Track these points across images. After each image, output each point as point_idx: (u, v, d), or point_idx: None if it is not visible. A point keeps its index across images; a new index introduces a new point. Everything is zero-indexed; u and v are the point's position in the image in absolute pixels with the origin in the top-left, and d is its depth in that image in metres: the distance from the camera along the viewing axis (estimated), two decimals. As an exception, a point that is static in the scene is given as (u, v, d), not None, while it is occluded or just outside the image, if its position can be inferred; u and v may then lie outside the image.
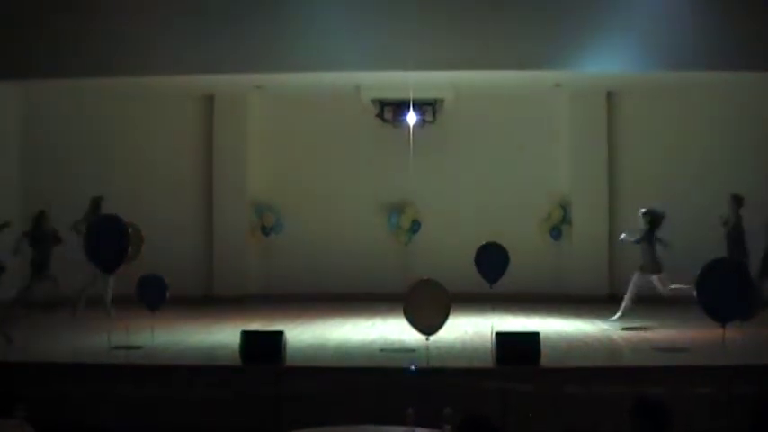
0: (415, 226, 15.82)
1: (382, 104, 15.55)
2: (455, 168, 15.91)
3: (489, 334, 10.03)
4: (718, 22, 12.88)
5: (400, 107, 15.13)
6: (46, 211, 13.12)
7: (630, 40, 12.90)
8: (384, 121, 15.62)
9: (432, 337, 9.93)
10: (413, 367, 8.96)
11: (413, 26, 12.90)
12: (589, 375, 9.11)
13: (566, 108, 16.03)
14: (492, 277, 11.48)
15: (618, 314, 12.48)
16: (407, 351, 10.48)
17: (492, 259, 11.45)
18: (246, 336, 9.72)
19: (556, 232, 15.79)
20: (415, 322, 9.94)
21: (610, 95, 16.02)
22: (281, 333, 9.74)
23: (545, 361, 9.37)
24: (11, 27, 13.19)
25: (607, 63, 13.10)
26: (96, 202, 13.13)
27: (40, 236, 12.92)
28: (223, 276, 15.36)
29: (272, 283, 15.67)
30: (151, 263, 11.90)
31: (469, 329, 12.03)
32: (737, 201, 12.71)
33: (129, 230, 11.07)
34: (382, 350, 10.69)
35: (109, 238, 10.61)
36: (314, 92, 15.50)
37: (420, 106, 15.12)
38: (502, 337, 9.53)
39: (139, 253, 11.94)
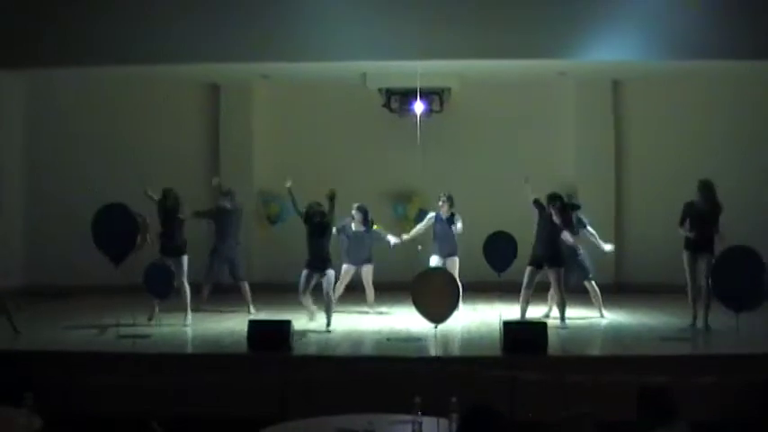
0: (422, 215, 15.80)
1: (389, 94, 15.50)
2: (462, 158, 15.87)
3: (497, 323, 10.05)
4: (724, 9, 12.82)
5: (407, 96, 15.08)
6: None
7: (636, 28, 12.84)
8: (391, 110, 15.57)
9: (439, 326, 9.97)
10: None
11: (419, 15, 12.86)
12: (596, 364, 9.12)
13: (571, 97, 15.99)
14: (500, 266, 11.48)
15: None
16: (414, 340, 10.50)
17: (500, 248, 11.45)
18: (254, 324, 9.75)
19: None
20: (424, 311, 9.97)
21: (615, 84, 15.97)
22: (288, 322, 9.77)
23: (552, 350, 9.39)
24: (16, 15, 13.18)
25: (613, 51, 13.04)
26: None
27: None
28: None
29: (279, 272, 15.66)
30: (156, 253, 11.90)
31: (477, 318, 12.04)
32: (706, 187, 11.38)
33: (138, 220, 11.11)
34: (389, 339, 10.70)
35: (118, 228, 10.68)
36: (320, 81, 15.48)
37: (427, 95, 15.07)
38: (509, 326, 9.55)
39: (146, 242, 11.95)
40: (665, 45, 12.99)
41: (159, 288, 11.20)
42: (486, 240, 11.64)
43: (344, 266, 12.94)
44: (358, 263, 12.96)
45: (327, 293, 11.55)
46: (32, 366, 9.12)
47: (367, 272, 13.01)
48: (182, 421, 7.38)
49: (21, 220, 15.53)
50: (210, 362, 9.52)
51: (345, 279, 12.94)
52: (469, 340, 10.66)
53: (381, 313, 12.82)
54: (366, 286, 13.05)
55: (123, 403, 8.76)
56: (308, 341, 10.49)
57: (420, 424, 5.77)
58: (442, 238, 12.80)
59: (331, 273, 11.64)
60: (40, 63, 13.64)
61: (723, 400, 8.59)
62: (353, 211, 12.86)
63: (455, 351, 10.21)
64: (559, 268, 11.57)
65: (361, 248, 12.96)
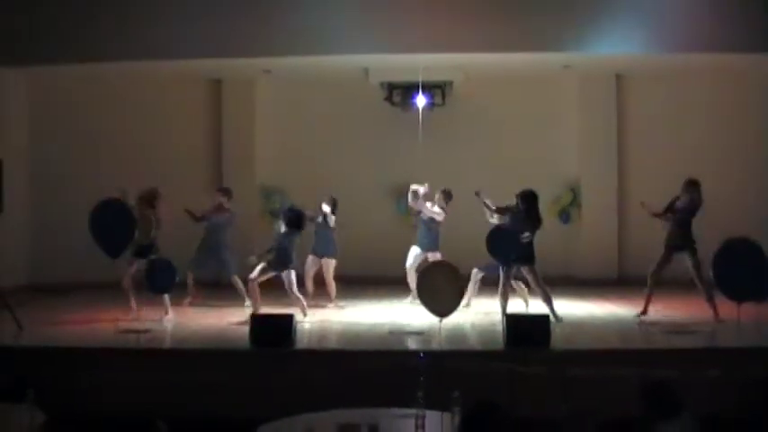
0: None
1: (391, 88, 15.50)
2: (464, 151, 15.85)
3: (499, 316, 10.02)
4: (729, 3, 12.79)
5: (409, 90, 15.07)
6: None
7: (640, 21, 12.82)
8: (393, 104, 15.57)
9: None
10: (421, 354, 8.83)
11: (422, 8, 12.84)
12: (599, 358, 9.09)
13: (575, 90, 15.95)
14: (503, 260, 11.47)
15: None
16: (416, 333, 10.49)
17: (503, 241, 11.44)
18: (256, 319, 9.74)
19: (565, 215, 15.75)
20: (429, 305, 9.95)
21: (619, 78, 15.93)
22: (290, 316, 9.75)
23: (555, 343, 9.37)
24: (17, 12, 13.16)
25: (616, 45, 13.02)
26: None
27: None
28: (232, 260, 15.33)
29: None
30: (155, 250, 11.89)
31: (479, 311, 12.02)
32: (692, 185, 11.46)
33: (135, 215, 11.15)
34: (391, 333, 10.69)
35: (115, 222, 10.71)
36: (322, 76, 15.46)
37: (429, 89, 15.05)
38: (512, 320, 9.54)
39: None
40: (669, 38, 12.97)
41: (161, 283, 11.20)
42: (489, 234, 11.62)
43: (309, 258, 13.01)
44: (319, 255, 13.00)
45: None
46: (34, 362, 9.11)
47: (326, 265, 12.98)
48: (184, 416, 7.37)
49: (24, 218, 15.49)
50: (213, 357, 9.50)
51: (310, 271, 13.01)
52: (472, 334, 10.65)
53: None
54: (326, 280, 13.00)
55: (126, 398, 8.74)
56: (311, 335, 10.48)
57: (423, 418, 5.76)
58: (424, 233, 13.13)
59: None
60: (41, 60, 13.63)
61: (730, 394, 8.56)
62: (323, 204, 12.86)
63: (458, 345, 10.18)
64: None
65: (322, 241, 12.97)
